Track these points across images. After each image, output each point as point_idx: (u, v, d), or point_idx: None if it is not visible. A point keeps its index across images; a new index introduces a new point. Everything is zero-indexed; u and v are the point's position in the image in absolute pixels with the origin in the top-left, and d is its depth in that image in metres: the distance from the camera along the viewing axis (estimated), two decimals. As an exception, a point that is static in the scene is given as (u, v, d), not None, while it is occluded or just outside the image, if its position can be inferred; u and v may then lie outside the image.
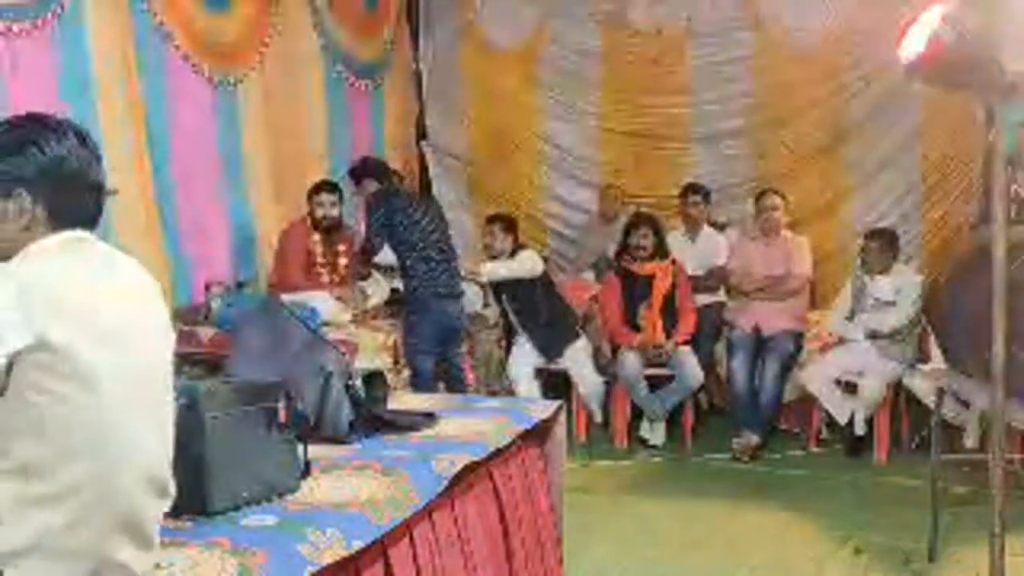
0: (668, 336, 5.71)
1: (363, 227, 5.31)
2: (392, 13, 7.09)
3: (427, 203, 5.49)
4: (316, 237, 5.54)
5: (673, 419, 5.79)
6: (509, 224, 5.84)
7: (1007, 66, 2.50)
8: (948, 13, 2.52)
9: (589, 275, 6.58)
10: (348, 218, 5.82)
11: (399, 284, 5.39)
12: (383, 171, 5.53)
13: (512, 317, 5.91)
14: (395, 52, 7.16)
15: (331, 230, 5.57)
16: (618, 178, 6.91)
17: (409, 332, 5.10)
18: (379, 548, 2.29)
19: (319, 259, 5.55)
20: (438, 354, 5.10)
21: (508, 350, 6.08)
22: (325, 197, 5.52)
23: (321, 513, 2.20)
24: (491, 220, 5.89)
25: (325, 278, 5.55)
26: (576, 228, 7.14)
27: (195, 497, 2.14)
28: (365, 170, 5.48)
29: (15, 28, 4.27)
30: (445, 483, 2.56)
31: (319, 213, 5.51)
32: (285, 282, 5.49)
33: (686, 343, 5.75)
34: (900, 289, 5.44)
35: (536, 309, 5.80)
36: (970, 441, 5.12)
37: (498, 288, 5.88)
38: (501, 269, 5.73)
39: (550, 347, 5.83)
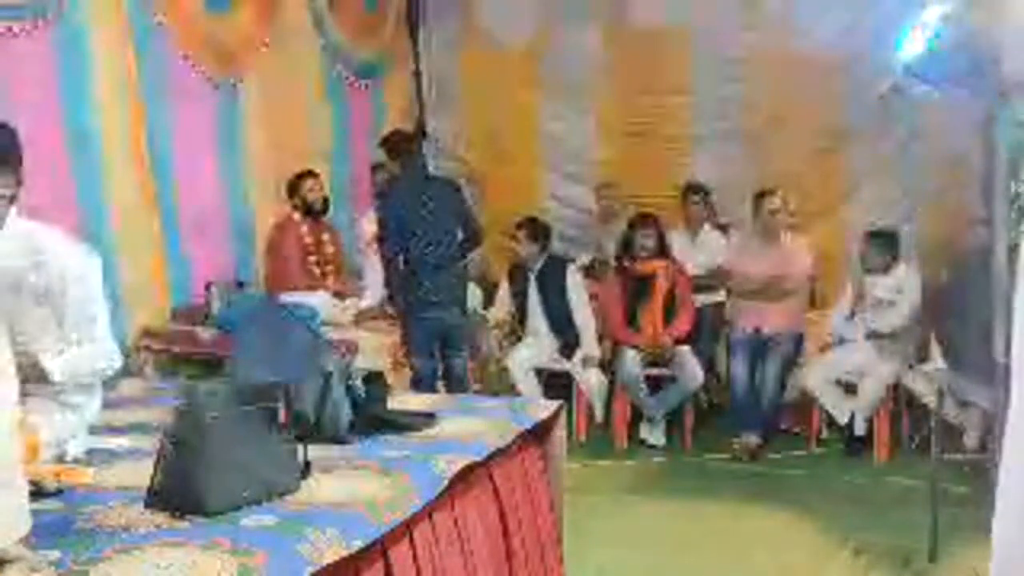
0: (666, 333, 5.71)
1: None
2: (392, 13, 7.09)
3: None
4: (305, 228, 5.61)
5: (673, 419, 5.79)
6: (535, 229, 5.89)
7: (1007, 66, 2.50)
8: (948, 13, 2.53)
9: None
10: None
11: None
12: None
13: (540, 319, 5.92)
14: (395, 52, 7.16)
15: (319, 215, 5.69)
16: (618, 178, 6.90)
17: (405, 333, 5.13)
18: (379, 548, 2.29)
19: (311, 250, 5.63)
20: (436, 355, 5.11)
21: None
22: (312, 183, 5.67)
23: (321, 513, 2.20)
24: (519, 226, 5.94)
25: (317, 270, 5.62)
26: (576, 228, 7.13)
27: (195, 497, 2.14)
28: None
29: (15, 28, 4.29)
30: (445, 483, 2.56)
31: (310, 198, 5.65)
32: (281, 277, 5.52)
33: (685, 343, 5.74)
34: (900, 289, 5.44)
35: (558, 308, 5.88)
36: (970, 441, 5.12)
37: (523, 294, 5.94)
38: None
39: (568, 345, 5.87)
